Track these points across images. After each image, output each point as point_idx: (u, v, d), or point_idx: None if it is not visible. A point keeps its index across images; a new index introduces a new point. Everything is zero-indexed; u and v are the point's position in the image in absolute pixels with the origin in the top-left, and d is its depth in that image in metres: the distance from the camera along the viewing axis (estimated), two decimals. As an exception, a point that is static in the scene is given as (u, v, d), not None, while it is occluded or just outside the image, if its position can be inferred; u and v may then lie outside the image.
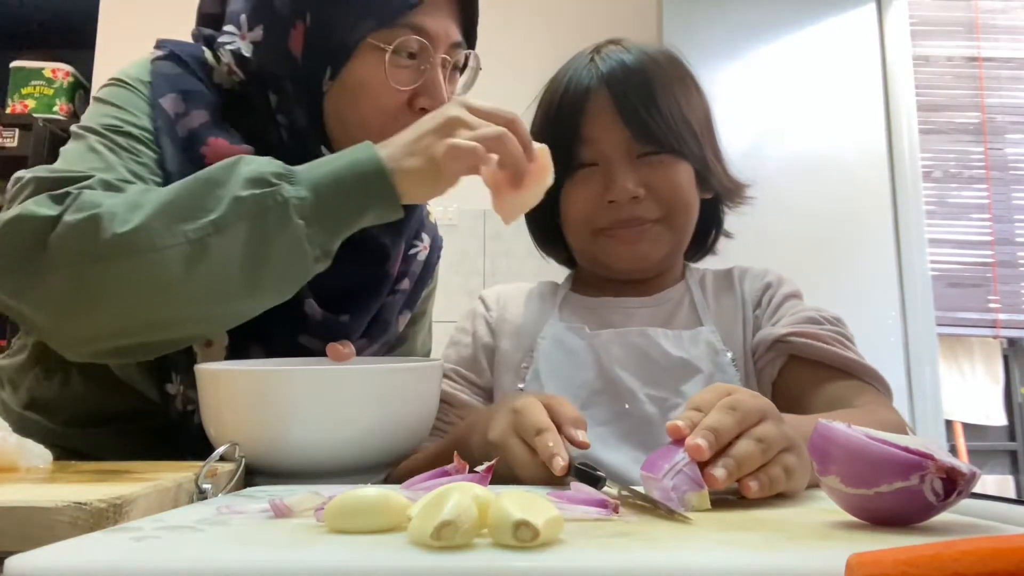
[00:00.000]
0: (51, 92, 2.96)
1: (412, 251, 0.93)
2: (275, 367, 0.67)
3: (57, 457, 0.71)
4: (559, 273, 0.99)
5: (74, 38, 3.08)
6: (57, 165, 0.73)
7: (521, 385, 0.86)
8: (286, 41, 0.78)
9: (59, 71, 2.99)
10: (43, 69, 2.98)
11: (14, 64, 3.00)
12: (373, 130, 0.76)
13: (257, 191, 0.66)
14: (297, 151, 0.76)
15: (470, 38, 0.85)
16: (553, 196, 0.86)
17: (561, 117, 0.87)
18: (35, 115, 2.86)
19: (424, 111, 0.76)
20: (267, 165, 0.69)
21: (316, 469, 0.64)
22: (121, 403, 0.80)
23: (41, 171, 0.71)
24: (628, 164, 0.85)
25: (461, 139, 0.68)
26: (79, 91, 3.04)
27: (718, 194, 0.93)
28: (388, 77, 0.77)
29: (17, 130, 2.78)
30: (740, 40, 2.55)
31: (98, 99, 0.80)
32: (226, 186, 0.67)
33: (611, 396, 0.83)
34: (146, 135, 0.77)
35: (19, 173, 0.71)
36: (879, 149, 2.51)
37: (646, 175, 0.85)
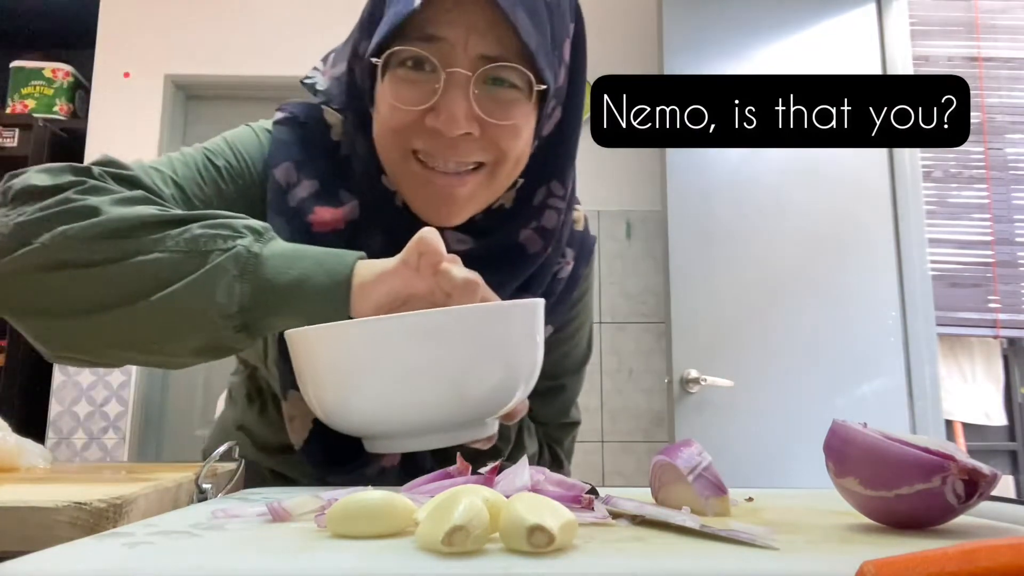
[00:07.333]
0: (51, 92, 2.95)
1: (554, 269, 0.84)
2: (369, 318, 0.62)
3: (262, 478, 0.80)
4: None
5: (74, 38, 3.08)
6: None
7: None
8: (355, 73, 0.76)
9: (59, 71, 2.98)
10: (43, 69, 2.97)
11: (14, 64, 2.99)
12: (385, 150, 0.73)
13: (212, 232, 0.62)
14: (365, 183, 0.75)
15: (532, 62, 0.70)
16: None
17: None
18: (35, 115, 2.86)
19: (437, 131, 0.69)
20: (252, 220, 0.65)
21: (428, 424, 0.61)
22: None
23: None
24: None
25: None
26: (79, 91, 3.03)
27: None
28: (389, 94, 0.71)
29: (17, 130, 2.78)
30: (740, 40, 2.54)
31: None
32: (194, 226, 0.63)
33: None
34: (231, 171, 0.76)
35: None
36: (879, 149, 2.50)
37: None
